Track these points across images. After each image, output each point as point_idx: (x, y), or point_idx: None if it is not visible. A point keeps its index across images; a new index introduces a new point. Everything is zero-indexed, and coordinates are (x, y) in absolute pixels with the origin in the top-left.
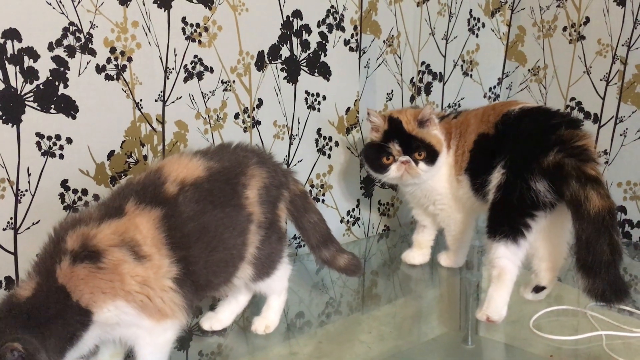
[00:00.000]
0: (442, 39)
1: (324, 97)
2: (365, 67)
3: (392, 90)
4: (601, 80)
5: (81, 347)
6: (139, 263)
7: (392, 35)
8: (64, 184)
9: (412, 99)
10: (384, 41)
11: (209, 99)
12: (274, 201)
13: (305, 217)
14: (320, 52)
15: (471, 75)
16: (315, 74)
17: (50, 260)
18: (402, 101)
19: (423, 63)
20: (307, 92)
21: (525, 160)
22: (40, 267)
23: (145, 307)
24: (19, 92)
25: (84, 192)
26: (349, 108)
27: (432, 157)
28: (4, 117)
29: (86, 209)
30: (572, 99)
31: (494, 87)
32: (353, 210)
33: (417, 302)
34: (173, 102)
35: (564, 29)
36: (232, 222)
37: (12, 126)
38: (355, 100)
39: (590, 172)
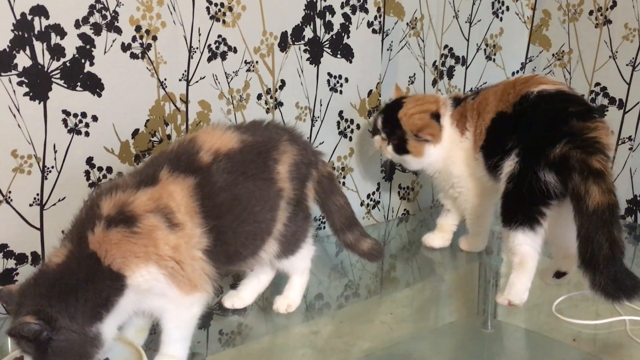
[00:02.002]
0: (466, 22)
1: (347, 80)
2: (387, 49)
3: (415, 74)
4: (627, 65)
5: (120, 314)
6: (171, 231)
7: (416, 18)
8: (89, 161)
9: (434, 82)
10: (407, 24)
11: (232, 79)
12: (303, 179)
13: (331, 199)
14: (343, 34)
15: (494, 60)
16: (338, 55)
17: (82, 227)
18: (424, 85)
19: (446, 46)
20: (329, 74)
21: (536, 150)
22: (72, 234)
23: (175, 276)
24: (46, 69)
25: (109, 169)
26: (371, 91)
27: (400, 148)
28: (31, 94)
29: (121, 177)
30: (597, 84)
31: (517, 71)
32: (373, 193)
33: (436, 286)
34: (197, 81)
35: (590, 12)
36: (262, 195)
37: (39, 103)
38: (378, 83)
39: (595, 165)
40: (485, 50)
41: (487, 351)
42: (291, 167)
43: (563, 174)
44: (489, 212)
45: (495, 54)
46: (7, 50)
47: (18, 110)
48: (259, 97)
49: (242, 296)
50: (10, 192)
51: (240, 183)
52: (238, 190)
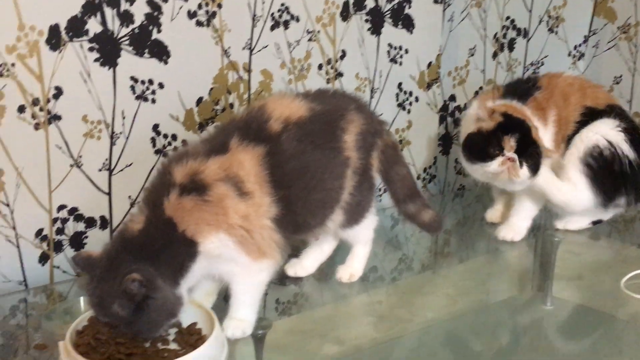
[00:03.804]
0: None
1: (407, 51)
2: (449, 20)
3: (475, 46)
4: None
5: (192, 279)
6: (241, 199)
7: None
8: (155, 128)
9: (495, 55)
10: None
11: (294, 48)
12: (368, 148)
13: (394, 169)
14: (404, 4)
15: (556, 32)
16: (399, 26)
17: (158, 194)
18: (484, 57)
19: (508, 18)
20: (389, 45)
21: None
22: (149, 200)
23: (244, 243)
24: (115, 36)
25: (174, 137)
26: (430, 63)
27: (535, 169)
28: (101, 60)
29: (192, 145)
30: None
31: (580, 45)
32: (430, 167)
33: (492, 261)
34: (259, 50)
35: None
36: (331, 164)
37: (109, 69)
38: (438, 55)
39: None
40: (547, 22)
41: (546, 328)
42: (358, 137)
43: None
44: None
45: (557, 26)
46: (79, 16)
47: (89, 76)
48: (320, 67)
49: (305, 265)
50: (80, 156)
51: (309, 152)
52: (307, 159)
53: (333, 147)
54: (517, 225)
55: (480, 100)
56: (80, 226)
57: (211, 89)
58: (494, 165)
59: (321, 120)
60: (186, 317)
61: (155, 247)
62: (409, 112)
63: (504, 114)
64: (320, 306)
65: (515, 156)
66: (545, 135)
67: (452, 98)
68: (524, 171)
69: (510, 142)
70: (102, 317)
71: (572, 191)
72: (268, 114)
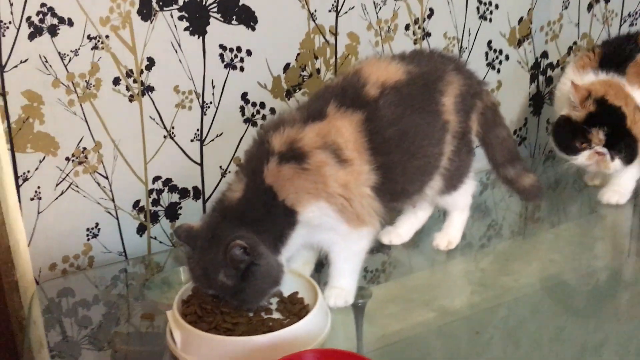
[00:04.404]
0: None
1: (497, 6)
2: None
3: None
4: None
5: (292, 247)
6: (340, 167)
7: None
8: (244, 96)
9: (590, 7)
10: None
11: (380, 9)
12: (468, 111)
13: (493, 131)
14: None
15: None
16: None
17: (257, 162)
18: (578, 10)
19: None
20: (479, 1)
21: None
22: (247, 168)
23: (344, 211)
24: (204, 3)
25: (262, 105)
26: (521, 18)
27: (630, 159)
28: (191, 29)
29: (288, 112)
30: None
31: None
32: (520, 129)
33: (594, 225)
34: (346, 12)
35: None
36: (429, 129)
37: (198, 37)
38: (529, 10)
39: None
40: None
41: None
42: (457, 99)
43: None
44: None
45: None
46: None
47: (179, 45)
48: (407, 27)
49: (400, 232)
50: (173, 127)
51: (407, 117)
52: (405, 125)
53: (432, 111)
54: (622, 187)
55: (575, 67)
56: (175, 197)
57: (298, 54)
58: (581, 159)
59: (419, 83)
60: (287, 286)
61: (256, 216)
62: (498, 71)
63: (599, 101)
64: (412, 274)
65: (604, 150)
66: None
67: (545, 55)
68: (616, 164)
69: (599, 136)
70: (206, 289)
71: None
72: (364, 79)
